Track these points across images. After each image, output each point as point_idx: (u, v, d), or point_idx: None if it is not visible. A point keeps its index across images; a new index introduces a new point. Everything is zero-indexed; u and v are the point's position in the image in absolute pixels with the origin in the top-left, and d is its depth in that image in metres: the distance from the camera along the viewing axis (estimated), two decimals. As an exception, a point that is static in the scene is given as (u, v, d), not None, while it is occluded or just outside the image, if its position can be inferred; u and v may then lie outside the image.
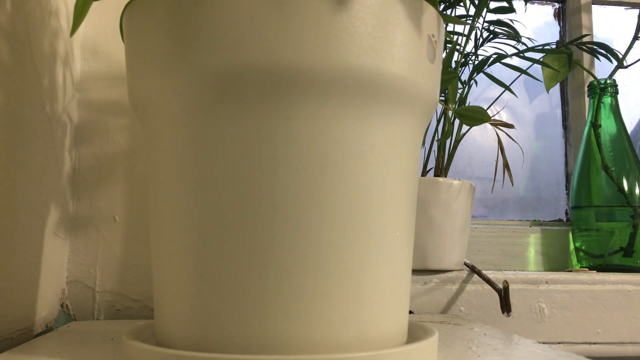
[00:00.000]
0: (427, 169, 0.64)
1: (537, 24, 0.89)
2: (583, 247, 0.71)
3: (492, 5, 0.61)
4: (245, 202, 0.25)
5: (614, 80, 0.72)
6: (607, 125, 0.71)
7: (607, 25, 0.89)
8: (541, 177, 0.84)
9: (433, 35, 0.29)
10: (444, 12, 0.58)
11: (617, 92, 0.72)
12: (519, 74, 0.62)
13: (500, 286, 0.55)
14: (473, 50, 0.65)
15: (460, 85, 0.63)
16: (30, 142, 0.41)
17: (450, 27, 0.66)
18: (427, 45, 0.28)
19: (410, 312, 0.58)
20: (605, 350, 0.59)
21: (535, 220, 0.80)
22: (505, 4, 0.60)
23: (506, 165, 0.62)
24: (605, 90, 0.72)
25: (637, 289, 0.60)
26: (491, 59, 0.62)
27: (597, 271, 0.64)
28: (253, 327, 0.25)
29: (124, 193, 0.53)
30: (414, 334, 0.32)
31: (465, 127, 0.63)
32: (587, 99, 0.80)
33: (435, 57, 0.29)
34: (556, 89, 0.87)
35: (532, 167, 0.84)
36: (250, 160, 0.25)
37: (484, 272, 0.59)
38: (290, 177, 0.25)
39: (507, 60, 0.62)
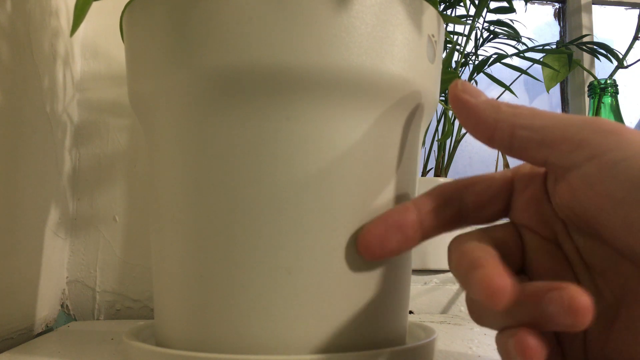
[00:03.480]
0: (427, 169, 0.64)
1: (537, 24, 0.89)
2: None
3: (492, 5, 0.61)
4: (245, 202, 0.25)
5: (614, 80, 0.72)
6: (607, 125, 0.71)
7: (607, 25, 0.89)
8: (541, 177, 0.83)
9: (433, 35, 0.29)
10: (444, 12, 0.58)
11: (617, 92, 0.72)
12: (519, 74, 0.62)
13: (500, 286, 0.55)
14: (473, 50, 0.65)
15: (460, 85, 0.63)
16: (30, 142, 0.41)
17: (450, 27, 0.66)
18: (427, 45, 0.28)
19: (410, 312, 0.58)
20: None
21: (535, 220, 0.80)
22: (505, 4, 0.60)
23: (506, 166, 0.62)
24: (605, 90, 0.72)
25: (637, 289, 0.60)
26: (491, 59, 0.62)
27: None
28: (253, 327, 0.25)
29: (124, 193, 0.53)
30: (414, 334, 0.32)
31: (465, 127, 0.63)
32: (587, 99, 0.80)
33: (435, 57, 0.29)
34: (556, 89, 0.87)
35: (532, 167, 0.84)
36: (251, 160, 0.25)
37: (484, 272, 0.59)
38: (291, 177, 0.25)
39: (507, 60, 0.62)
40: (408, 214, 0.23)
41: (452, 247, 0.23)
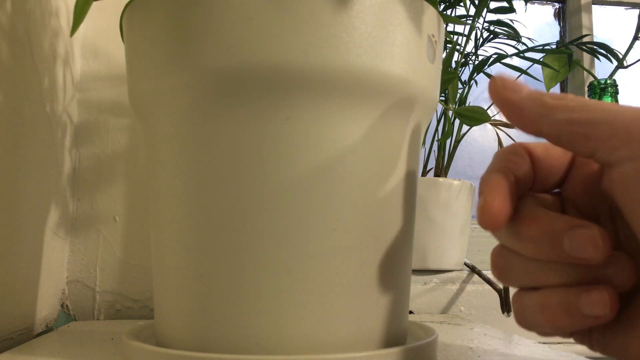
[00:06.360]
0: (427, 169, 0.64)
1: (537, 24, 0.89)
2: (583, 247, 0.70)
3: (492, 5, 0.61)
4: (245, 202, 0.25)
5: (614, 80, 0.72)
6: (607, 125, 0.70)
7: (607, 25, 0.89)
8: (541, 177, 0.83)
9: (433, 35, 0.29)
10: (444, 12, 0.58)
11: (617, 92, 0.72)
12: (519, 74, 0.62)
13: (501, 286, 0.55)
14: (473, 50, 0.65)
15: (460, 85, 0.63)
16: (30, 142, 0.41)
17: (450, 27, 0.66)
18: (427, 45, 0.28)
19: (410, 312, 0.58)
20: (605, 350, 0.59)
21: (535, 220, 0.80)
22: (505, 4, 0.60)
23: (506, 165, 0.61)
24: (605, 90, 0.72)
25: (637, 289, 0.60)
26: (491, 59, 0.62)
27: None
28: (253, 327, 0.25)
29: (124, 193, 0.53)
30: (414, 334, 0.32)
31: (465, 127, 0.63)
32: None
33: (435, 57, 0.29)
34: (556, 89, 0.87)
35: (532, 167, 0.83)
36: (251, 160, 0.25)
37: (484, 272, 0.59)
38: (291, 177, 0.25)
39: (507, 60, 0.62)
40: (511, 179, 0.22)
41: None
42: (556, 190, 0.24)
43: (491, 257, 0.23)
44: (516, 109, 0.21)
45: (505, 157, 0.23)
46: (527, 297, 0.21)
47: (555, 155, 0.23)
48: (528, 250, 0.21)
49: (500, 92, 0.22)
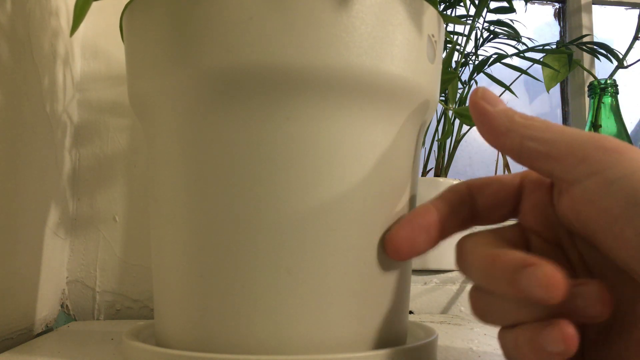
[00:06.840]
0: (427, 169, 0.64)
1: (537, 24, 0.89)
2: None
3: (492, 5, 0.61)
4: (245, 202, 0.25)
5: (614, 80, 0.72)
6: (608, 125, 0.71)
7: (607, 25, 0.89)
8: (541, 177, 0.83)
9: (433, 35, 0.29)
10: (444, 12, 0.58)
11: (617, 92, 0.72)
12: (519, 74, 0.62)
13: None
14: (473, 50, 0.65)
15: (460, 85, 0.63)
16: (30, 142, 0.41)
17: (450, 27, 0.66)
18: (427, 45, 0.28)
19: (410, 312, 0.58)
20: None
21: (535, 220, 0.79)
22: (505, 4, 0.60)
23: (506, 166, 0.62)
24: (605, 90, 0.72)
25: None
26: (491, 59, 0.62)
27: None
28: (253, 327, 0.25)
29: (124, 193, 0.53)
30: (414, 334, 0.32)
31: (465, 127, 0.63)
32: (587, 99, 0.80)
33: (435, 57, 0.29)
34: (556, 89, 0.87)
35: (532, 167, 0.83)
36: (250, 160, 0.25)
37: (484, 272, 0.59)
38: (291, 177, 0.25)
39: (507, 60, 0.62)
40: (431, 215, 0.24)
41: (468, 247, 0.23)
42: (516, 222, 0.25)
43: (469, 299, 0.23)
44: (488, 119, 0.23)
45: (441, 194, 0.25)
46: (504, 336, 0.22)
47: (498, 184, 0.25)
48: (499, 287, 0.21)
49: (478, 101, 0.23)
